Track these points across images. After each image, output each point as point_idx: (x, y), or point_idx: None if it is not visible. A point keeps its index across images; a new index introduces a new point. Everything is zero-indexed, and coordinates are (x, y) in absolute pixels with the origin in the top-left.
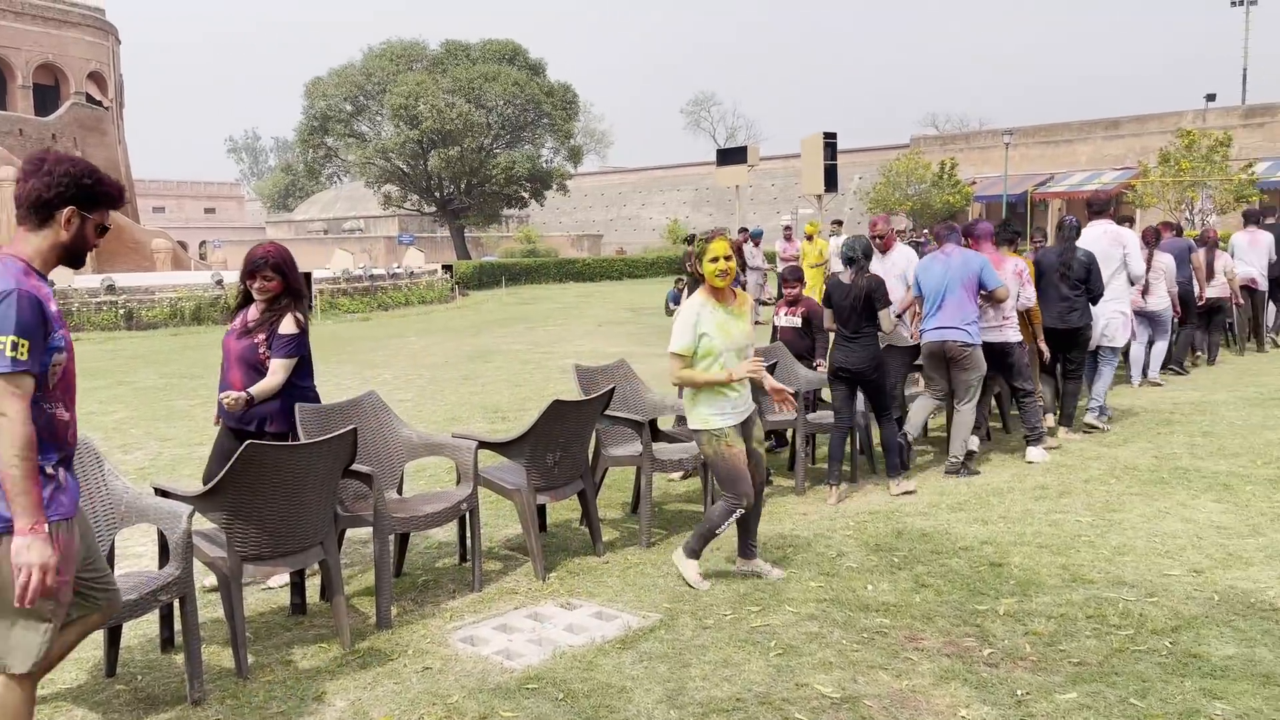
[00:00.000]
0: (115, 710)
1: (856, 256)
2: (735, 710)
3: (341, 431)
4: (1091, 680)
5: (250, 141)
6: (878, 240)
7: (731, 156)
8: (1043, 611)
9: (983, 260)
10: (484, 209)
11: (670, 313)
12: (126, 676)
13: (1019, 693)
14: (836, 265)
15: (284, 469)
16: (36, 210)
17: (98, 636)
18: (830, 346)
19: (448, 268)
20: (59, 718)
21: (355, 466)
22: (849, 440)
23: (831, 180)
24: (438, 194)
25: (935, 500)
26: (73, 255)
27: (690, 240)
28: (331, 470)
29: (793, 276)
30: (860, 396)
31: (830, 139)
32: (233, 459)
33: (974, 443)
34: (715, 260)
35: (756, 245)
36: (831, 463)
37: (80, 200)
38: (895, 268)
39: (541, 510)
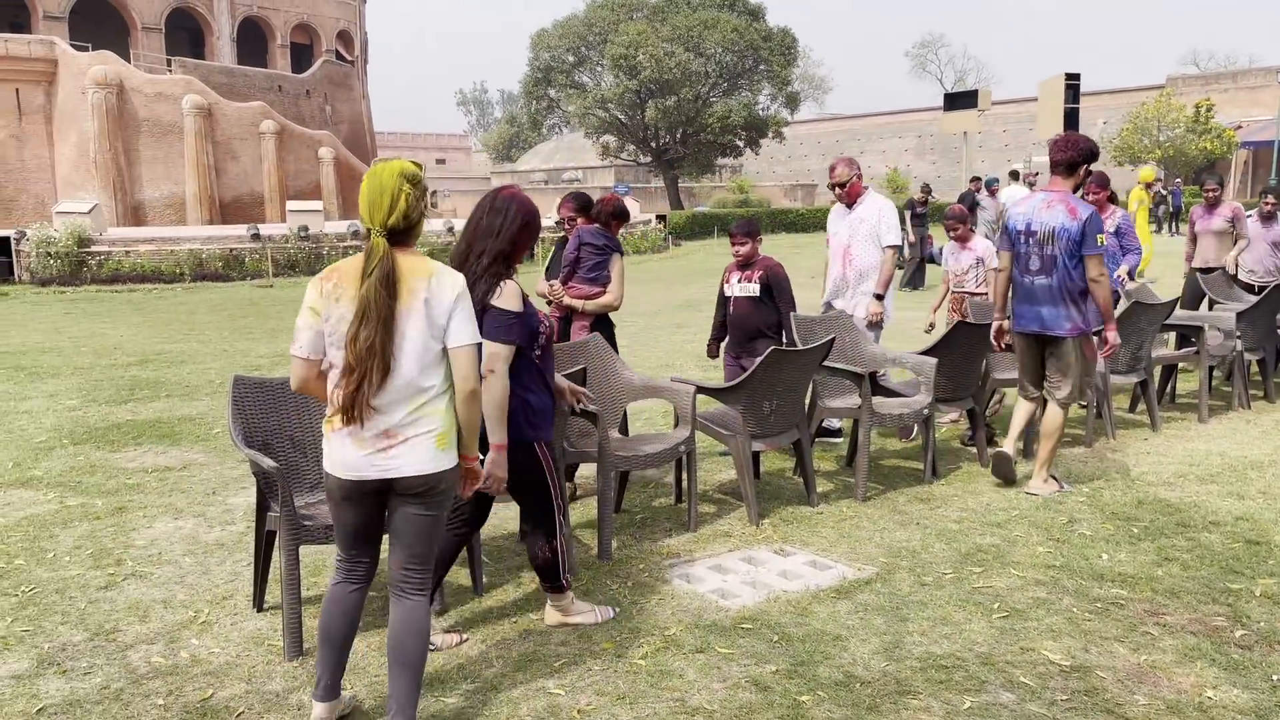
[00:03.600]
0: (374, 615)
1: None
2: (955, 668)
3: (571, 370)
4: None
5: (478, 94)
6: (838, 189)
7: (960, 101)
8: None
9: None
10: (698, 159)
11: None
12: (381, 587)
13: (1275, 678)
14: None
15: None
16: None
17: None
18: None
19: (661, 217)
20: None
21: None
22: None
23: (1072, 125)
24: (653, 144)
25: (1182, 470)
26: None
27: (925, 191)
28: (563, 408)
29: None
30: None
31: (1073, 81)
32: None
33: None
34: None
35: (992, 195)
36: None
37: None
38: (863, 224)
39: (756, 458)
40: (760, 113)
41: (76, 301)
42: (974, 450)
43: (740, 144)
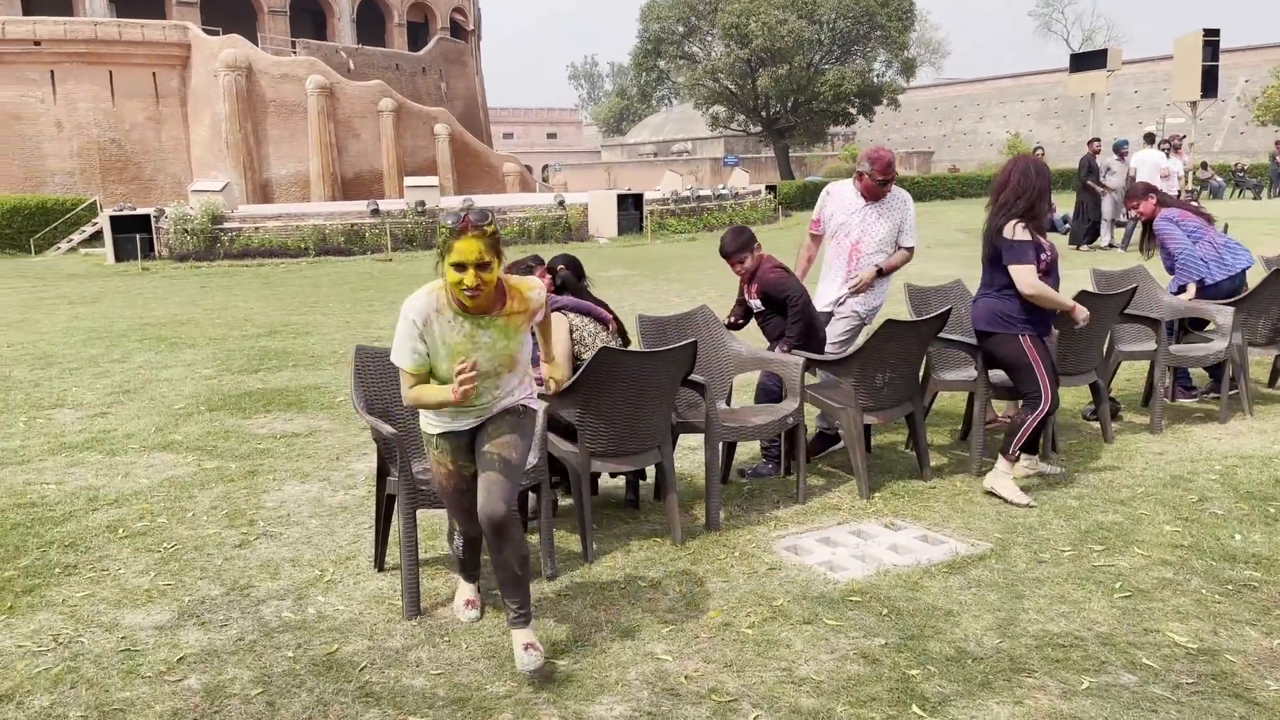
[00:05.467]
0: (488, 579)
1: None
2: (1073, 647)
3: (684, 343)
4: None
5: (589, 68)
6: (880, 185)
7: (1088, 61)
8: None
9: None
10: (809, 127)
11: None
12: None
13: None
14: (1155, 180)
15: (630, 374)
16: None
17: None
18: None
19: (771, 188)
20: (440, 581)
21: (692, 376)
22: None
23: (1210, 84)
24: (764, 114)
25: None
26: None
27: (1039, 154)
28: (673, 378)
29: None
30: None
31: (1211, 37)
32: (590, 362)
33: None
34: (461, 268)
35: (1122, 158)
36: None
37: None
38: (882, 221)
39: (867, 431)
40: (875, 79)
41: (210, 276)
42: (1096, 425)
43: (853, 112)
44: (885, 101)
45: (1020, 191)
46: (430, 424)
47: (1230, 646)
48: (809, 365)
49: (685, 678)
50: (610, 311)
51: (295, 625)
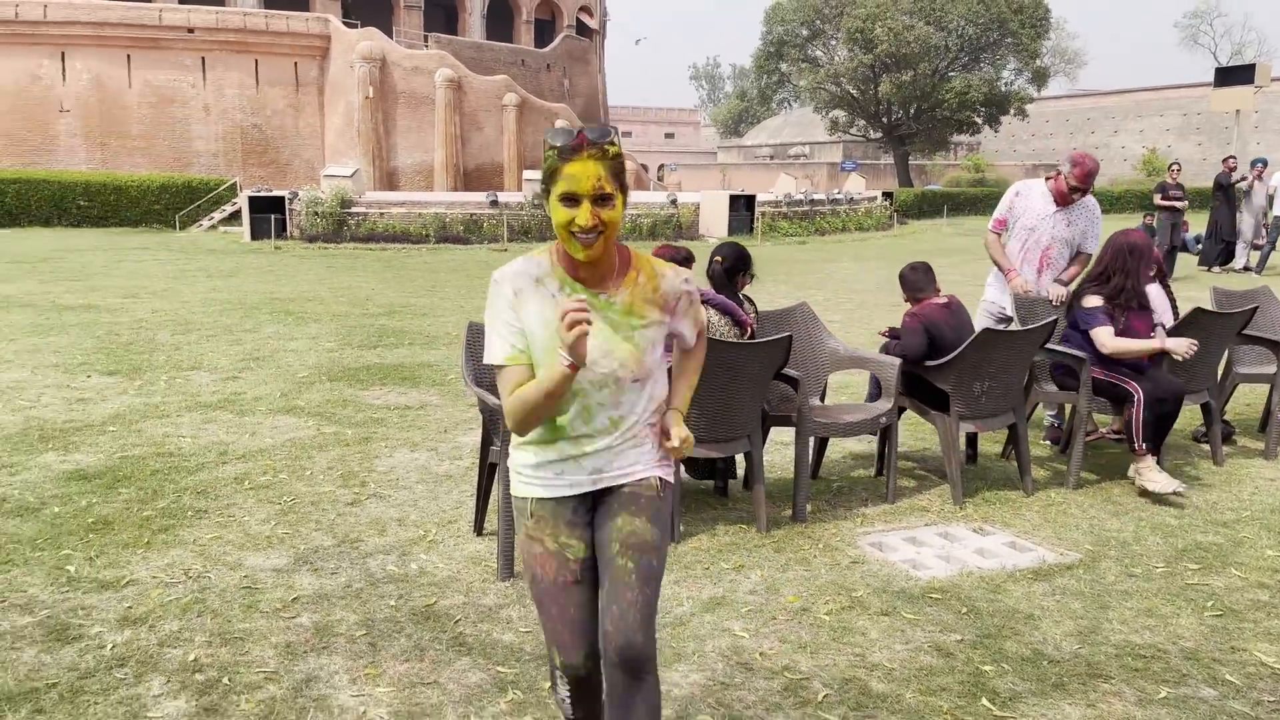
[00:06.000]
0: None
1: None
2: (1155, 659)
3: (777, 336)
4: None
5: (711, 69)
6: (1077, 194)
7: (1234, 76)
8: None
9: None
10: (931, 135)
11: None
12: None
13: None
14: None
15: (725, 363)
16: None
17: None
18: None
19: (888, 195)
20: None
21: (785, 370)
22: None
23: None
24: (885, 120)
25: None
26: None
27: (1176, 171)
28: (766, 370)
29: None
30: None
31: None
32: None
33: None
34: (573, 201)
35: (1259, 177)
36: None
37: None
38: (1072, 228)
39: (973, 439)
40: (1002, 88)
41: (337, 257)
42: (1206, 447)
43: (978, 121)
44: (1012, 111)
45: (1112, 272)
46: (524, 482)
47: None
48: (911, 370)
49: (760, 654)
50: (751, 316)
51: (398, 578)
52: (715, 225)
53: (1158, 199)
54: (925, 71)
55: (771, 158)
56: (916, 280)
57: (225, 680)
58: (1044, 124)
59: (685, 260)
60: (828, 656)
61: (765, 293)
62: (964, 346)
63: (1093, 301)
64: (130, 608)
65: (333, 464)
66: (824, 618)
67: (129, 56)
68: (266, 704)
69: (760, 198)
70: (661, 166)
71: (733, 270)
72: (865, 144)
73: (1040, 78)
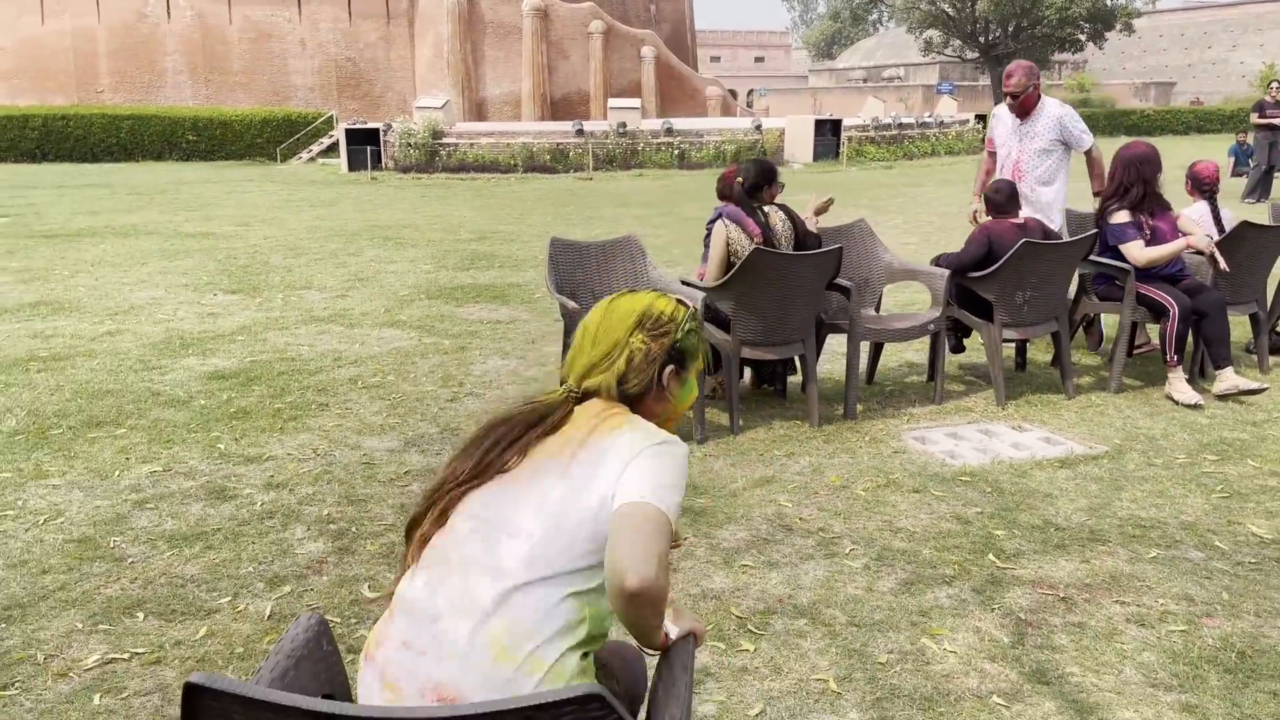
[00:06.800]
0: None
1: None
2: (1154, 528)
3: (828, 249)
4: None
5: None
6: (1010, 99)
7: None
8: None
9: None
10: (1031, 54)
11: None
12: None
13: None
14: None
15: (779, 273)
16: None
17: None
18: None
19: (980, 117)
20: None
21: (838, 280)
22: None
23: None
24: (982, 39)
25: None
26: None
27: (1277, 90)
28: (818, 280)
29: None
30: None
31: None
32: (741, 261)
33: None
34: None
35: None
36: None
37: None
38: (1035, 139)
39: (1022, 348)
40: (1107, 2)
41: (430, 187)
42: (1254, 357)
43: (1082, 38)
44: (1119, 27)
45: (1129, 184)
46: None
47: None
48: (955, 276)
49: (800, 519)
50: (766, 228)
51: None
52: (800, 151)
53: (1254, 118)
54: None
55: (865, 81)
56: (999, 200)
57: (353, 529)
58: (1157, 39)
59: (768, 171)
60: (859, 521)
61: (843, 218)
62: (1006, 257)
63: (1120, 217)
64: (272, 476)
65: (433, 369)
66: (860, 493)
67: None
68: (387, 546)
69: (846, 122)
70: (751, 92)
71: (755, 188)
72: (962, 65)
73: None
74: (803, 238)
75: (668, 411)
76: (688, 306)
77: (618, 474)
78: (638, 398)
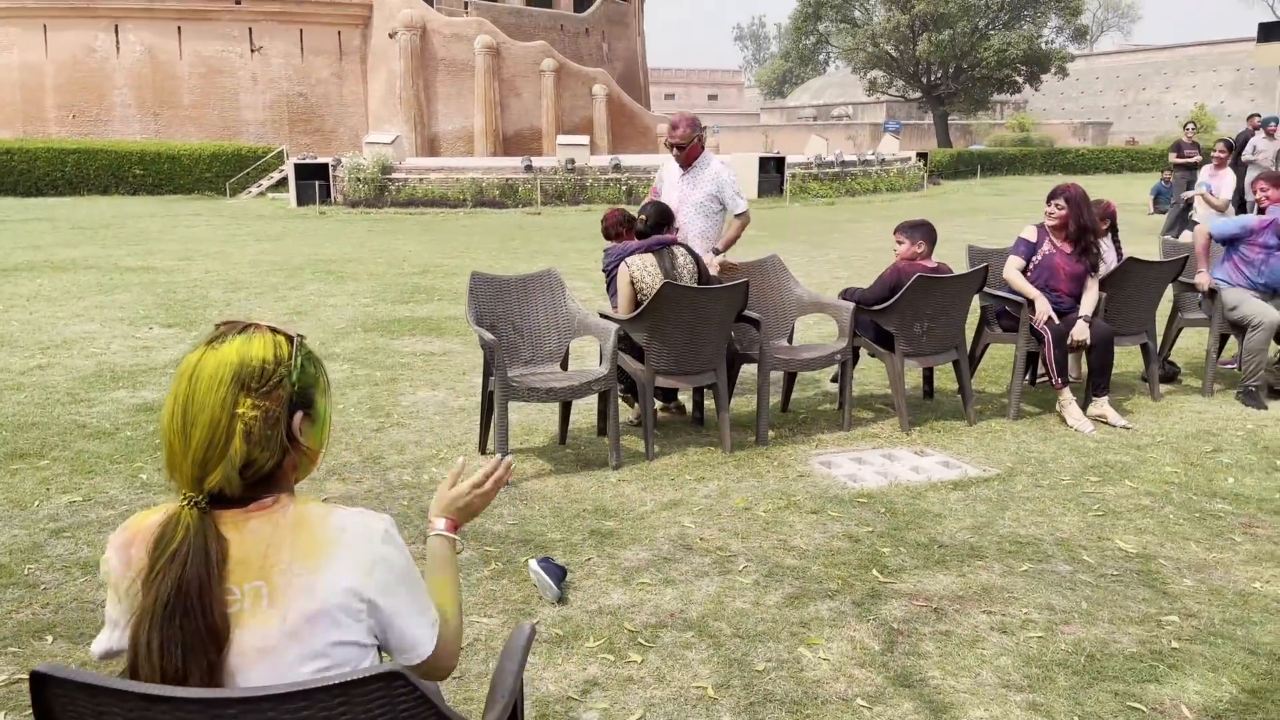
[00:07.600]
0: (564, 465)
1: None
2: (1029, 544)
3: (736, 282)
4: None
5: (756, 29)
6: (676, 150)
7: (1277, 31)
8: None
9: None
10: (971, 95)
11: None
12: (574, 446)
13: None
14: None
15: (689, 306)
16: None
17: (556, 416)
18: None
19: (921, 156)
20: (527, 463)
21: (747, 312)
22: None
23: None
24: (924, 80)
25: None
26: None
27: (1193, 131)
28: (726, 312)
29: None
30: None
31: None
32: (653, 295)
33: None
34: None
35: (1270, 135)
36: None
37: None
38: (695, 191)
39: (929, 376)
40: (1043, 46)
41: (378, 221)
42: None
43: (1019, 80)
44: (1053, 70)
45: (1080, 222)
46: None
47: (1168, 554)
48: (859, 310)
49: (700, 539)
50: (671, 265)
51: (411, 485)
52: (745, 187)
53: (1173, 158)
54: (964, 30)
55: (815, 119)
56: (913, 238)
57: None
58: (1094, 81)
59: (665, 213)
60: (756, 541)
61: (781, 253)
62: (902, 291)
63: (1025, 232)
64: None
65: (362, 399)
66: (761, 515)
67: (179, 28)
68: None
69: (790, 159)
70: (705, 129)
71: (656, 227)
72: (906, 104)
73: (1080, 35)
74: (704, 276)
75: (306, 460)
76: (290, 335)
77: (370, 630)
78: (272, 471)
